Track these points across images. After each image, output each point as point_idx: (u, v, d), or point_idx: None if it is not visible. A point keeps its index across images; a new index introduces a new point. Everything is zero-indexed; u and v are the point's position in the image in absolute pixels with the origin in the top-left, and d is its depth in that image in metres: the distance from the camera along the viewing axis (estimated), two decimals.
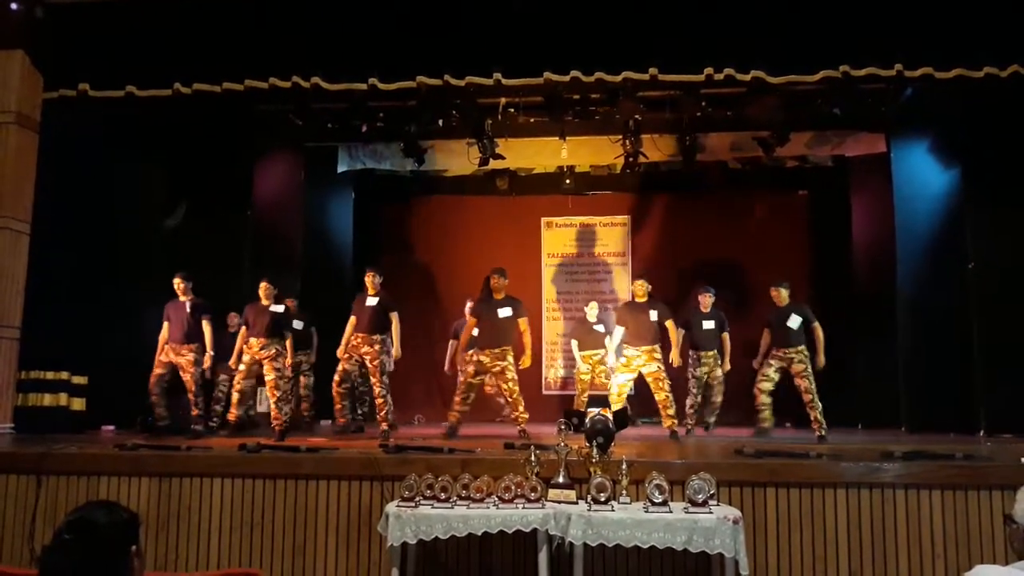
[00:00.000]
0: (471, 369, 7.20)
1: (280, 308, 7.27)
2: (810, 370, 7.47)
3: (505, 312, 7.11)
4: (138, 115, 7.75)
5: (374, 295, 7.33)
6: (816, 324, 7.61)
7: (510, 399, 7.12)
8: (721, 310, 8.47)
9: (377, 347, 7.18)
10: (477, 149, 8.83)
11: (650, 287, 7.95)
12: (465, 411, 7.20)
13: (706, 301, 8.35)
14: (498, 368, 7.03)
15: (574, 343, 9.10)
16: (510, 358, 7.05)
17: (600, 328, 9.01)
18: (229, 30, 7.16)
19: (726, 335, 8.31)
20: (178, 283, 7.36)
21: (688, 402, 8.28)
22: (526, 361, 7.19)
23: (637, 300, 7.86)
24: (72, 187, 7.49)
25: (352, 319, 7.30)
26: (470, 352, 7.30)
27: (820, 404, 7.35)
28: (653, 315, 7.66)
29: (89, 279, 7.65)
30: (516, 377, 7.08)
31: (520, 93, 7.80)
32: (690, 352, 8.27)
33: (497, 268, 7.36)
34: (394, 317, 7.25)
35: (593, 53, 6.88)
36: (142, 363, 7.67)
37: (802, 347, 7.53)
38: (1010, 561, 2.43)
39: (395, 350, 7.33)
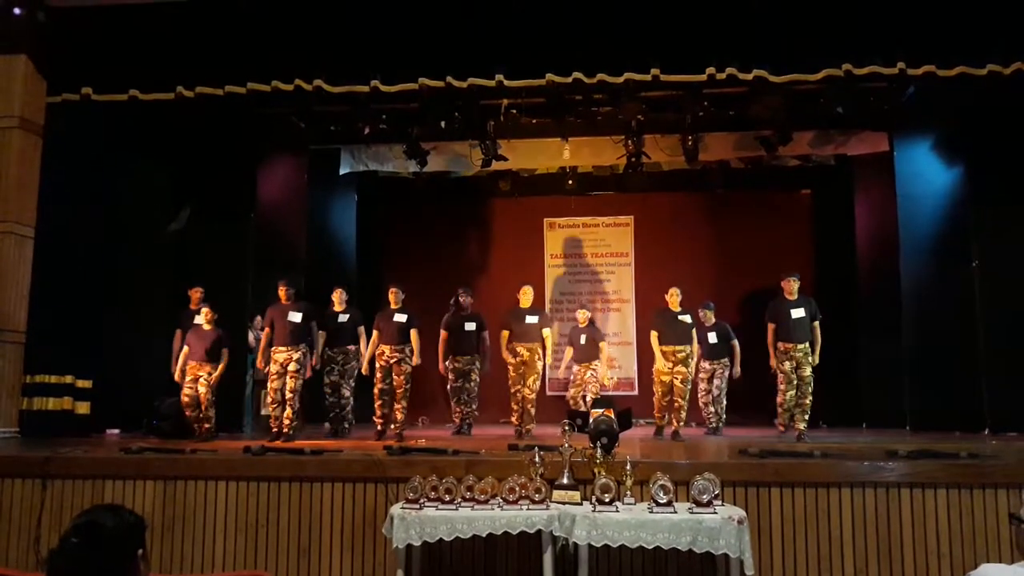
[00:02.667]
0: (452, 375, 8.28)
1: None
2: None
3: (470, 326, 8.18)
4: (141, 119, 7.78)
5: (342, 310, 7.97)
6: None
7: (468, 397, 8.20)
8: (811, 297, 7.76)
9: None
10: (480, 151, 8.84)
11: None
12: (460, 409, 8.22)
13: (791, 287, 7.60)
14: (466, 371, 8.18)
15: (653, 336, 7.87)
16: (477, 364, 8.19)
17: (687, 318, 7.83)
18: (231, 33, 7.17)
19: (817, 324, 7.52)
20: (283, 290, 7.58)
21: (779, 399, 7.59)
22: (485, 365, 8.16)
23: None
24: (76, 191, 7.50)
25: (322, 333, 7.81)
26: (447, 360, 8.30)
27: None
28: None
29: (93, 283, 7.67)
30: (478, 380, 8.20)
31: (522, 95, 7.81)
32: (779, 346, 7.54)
33: (464, 287, 8.48)
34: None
35: (595, 54, 6.88)
36: (146, 367, 7.69)
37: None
38: (1016, 560, 2.43)
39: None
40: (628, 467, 4.28)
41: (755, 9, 6.77)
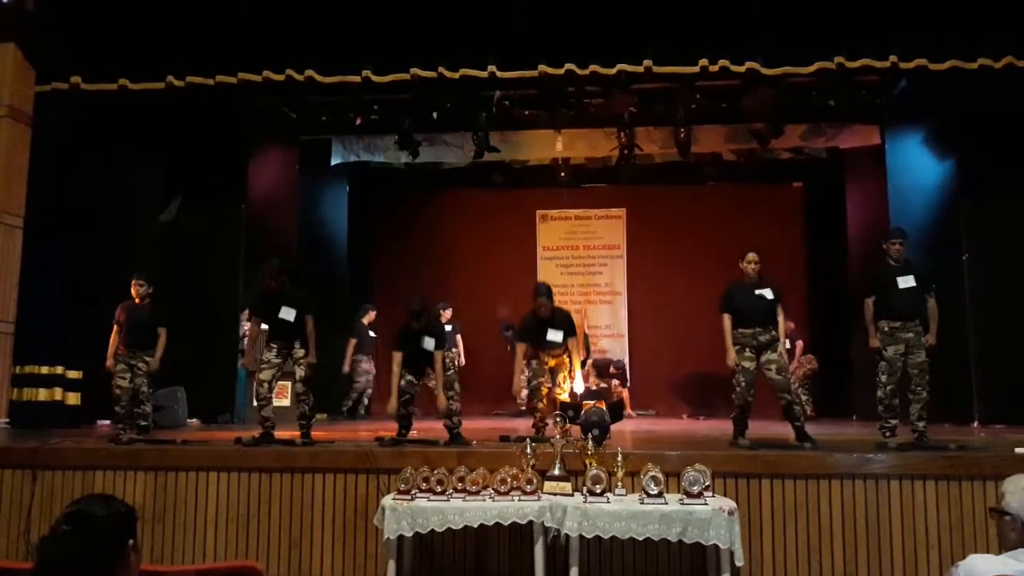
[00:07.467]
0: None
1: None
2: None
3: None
4: (131, 108, 7.73)
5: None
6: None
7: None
8: (920, 264, 6.08)
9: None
10: (472, 142, 8.82)
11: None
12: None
13: (897, 250, 5.80)
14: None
15: (726, 320, 5.76)
16: None
17: (768, 293, 5.79)
18: (222, 22, 7.12)
19: (932, 296, 5.88)
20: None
21: (879, 394, 5.71)
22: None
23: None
24: (65, 181, 7.45)
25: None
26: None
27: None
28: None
29: (83, 273, 7.62)
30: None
31: (515, 86, 7.79)
32: (881, 324, 5.77)
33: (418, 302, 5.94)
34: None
35: (588, 46, 6.87)
36: None
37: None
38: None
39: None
40: (619, 458, 4.29)
41: (748, 2, 6.78)
